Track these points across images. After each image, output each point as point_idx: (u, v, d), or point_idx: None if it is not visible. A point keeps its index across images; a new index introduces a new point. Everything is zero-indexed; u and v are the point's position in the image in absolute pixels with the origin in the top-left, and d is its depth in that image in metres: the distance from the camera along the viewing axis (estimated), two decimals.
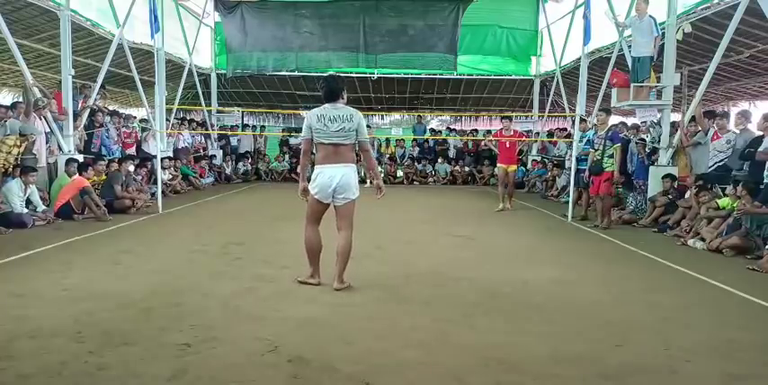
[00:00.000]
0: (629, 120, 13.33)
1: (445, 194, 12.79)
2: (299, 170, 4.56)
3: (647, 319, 3.80)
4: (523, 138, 10.50)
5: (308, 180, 4.47)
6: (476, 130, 18.65)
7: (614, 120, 9.93)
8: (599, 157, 7.90)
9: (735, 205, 6.52)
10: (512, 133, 9.81)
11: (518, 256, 5.94)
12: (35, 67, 11.40)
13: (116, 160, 9.60)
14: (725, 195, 7.01)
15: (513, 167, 9.87)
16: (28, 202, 7.36)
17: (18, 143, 7.53)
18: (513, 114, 13.99)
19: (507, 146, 9.75)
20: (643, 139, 9.63)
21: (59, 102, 8.84)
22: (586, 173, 8.39)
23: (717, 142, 7.74)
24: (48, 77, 12.22)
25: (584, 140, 8.90)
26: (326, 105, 4.34)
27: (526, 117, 17.55)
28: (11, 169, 7.34)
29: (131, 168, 9.06)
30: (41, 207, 7.52)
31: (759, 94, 13.15)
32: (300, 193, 4.51)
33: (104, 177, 8.66)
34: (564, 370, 2.91)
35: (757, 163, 6.76)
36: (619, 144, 7.75)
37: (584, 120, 9.94)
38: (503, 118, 10.21)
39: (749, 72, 11.17)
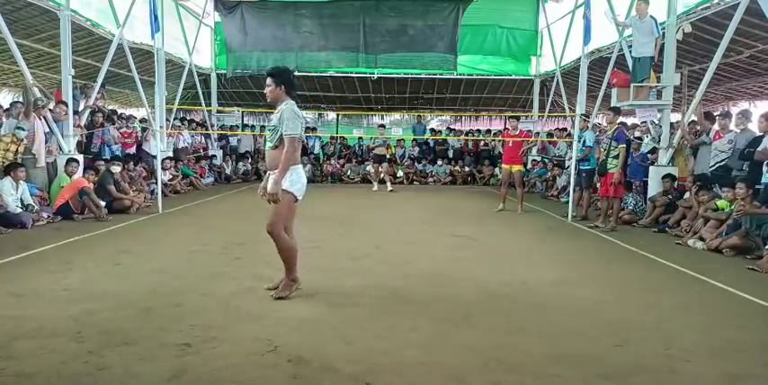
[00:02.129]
0: (629, 120, 13.33)
1: (445, 194, 12.79)
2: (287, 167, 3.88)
3: (647, 319, 3.80)
4: (529, 139, 10.38)
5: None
6: (478, 130, 18.66)
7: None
8: (604, 158, 7.87)
9: (733, 206, 6.52)
10: (518, 133, 9.77)
11: (518, 256, 5.94)
12: (35, 67, 11.40)
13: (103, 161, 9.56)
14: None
15: (518, 167, 9.68)
16: (25, 205, 7.35)
17: (15, 140, 7.54)
18: (513, 114, 14.01)
19: (511, 145, 9.66)
20: (639, 138, 9.63)
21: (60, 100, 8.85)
22: (595, 174, 8.37)
23: (718, 142, 7.73)
24: (48, 77, 12.22)
25: (582, 140, 8.89)
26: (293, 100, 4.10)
27: (526, 117, 17.56)
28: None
29: (116, 169, 8.99)
30: (36, 207, 7.50)
31: (759, 94, 13.15)
32: (280, 193, 3.90)
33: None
34: (564, 370, 2.91)
35: (756, 163, 6.77)
36: (623, 144, 7.72)
37: (587, 118, 9.80)
38: (510, 118, 10.16)
39: (749, 72, 11.17)
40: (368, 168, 15.87)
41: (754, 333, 3.58)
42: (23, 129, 7.62)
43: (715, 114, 8.68)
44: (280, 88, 4.04)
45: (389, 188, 13.18)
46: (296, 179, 4.02)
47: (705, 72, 8.36)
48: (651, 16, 8.38)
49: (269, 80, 4.06)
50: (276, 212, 3.98)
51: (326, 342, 3.23)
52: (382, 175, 13.61)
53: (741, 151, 7.16)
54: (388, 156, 15.64)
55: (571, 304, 4.11)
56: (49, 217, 7.46)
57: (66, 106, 8.72)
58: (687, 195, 7.86)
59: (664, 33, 8.58)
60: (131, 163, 10.10)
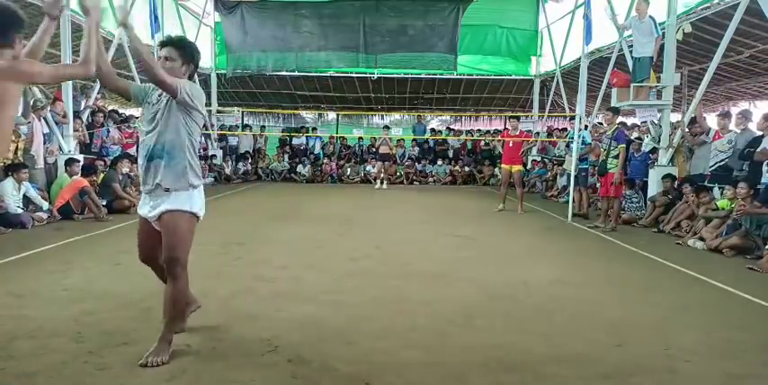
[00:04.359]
0: (629, 121, 13.34)
1: (445, 194, 12.79)
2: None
3: (647, 319, 3.80)
4: (529, 139, 10.40)
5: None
6: (479, 130, 18.69)
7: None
8: (604, 158, 7.88)
9: (733, 206, 6.53)
10: (518, 133, 9.78)
11: (518, 256, 5.94)
12: None
13: (110, 160, 9.59)
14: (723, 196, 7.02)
15: (517, 167, 9.69)
16: (28, 202, 7.35)
17: (14, 138, 7.53)
18: (514, 114, 14.05)
19: (511, 145, 9.67)
20: (639, 138, 9.64)
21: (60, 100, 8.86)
22: (596, 174, 8.39)
23: (718, 142, 7.74)
24: None
25: (582, 139, 8.92)
26: None
27: (526, 117, 17.57)
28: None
29: (125, 170, 9.04)
30: (45, 205, 7.49)
31: (759, 94, 13.17)
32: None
33: (101, 176, 8.66)
34: (564, 370, 2.91)
35: (756, 163, 6.77)
36: (623, 144, 7.73)
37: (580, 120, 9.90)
38: (510, 118, 10.19)
39: (749, 72, 11.18)
40: (368, 168, 15.89)
41: (754, 333, 3.58)
42: (23, 123, 7.61)
43: (714, 114, 8.69)
44: (186, 67, 2.99)
45: (384, 186, 13.55)
46: (202, 198, 3.18)
47: (705, 72, 8.37)
48: (650, 16, 8.39)
49: (172, 52, 2.93)
50: (181, 238, 2.97)
51: (326, 342, 3.23)
52: (382, 174, 13.94)
53: (741, 151, 7.17)
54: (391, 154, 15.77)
55: (571, 304, 4.10)
56: (49, 217, 7.46)
57: (63, 104, 8.73)
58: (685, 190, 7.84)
59: (664, 33, 8.58)
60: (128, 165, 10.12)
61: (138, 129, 11.67)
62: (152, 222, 3.03)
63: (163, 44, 2.98)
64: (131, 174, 9.82)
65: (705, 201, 7.11)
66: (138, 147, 11.53)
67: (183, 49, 2.96)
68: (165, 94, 2.88)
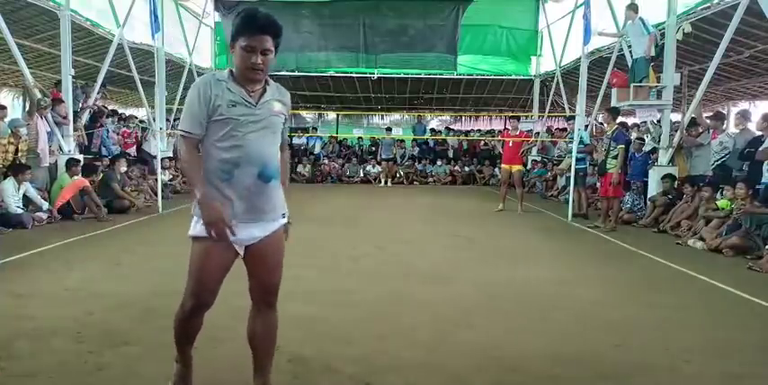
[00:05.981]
0: (629, 121, 13.34)
1: (445, 194, 12.79)
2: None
3: (647, 319, 3.80)
4: (529, 140, 10.42)
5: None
6: (479, 130, 18.71)
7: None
8: (604, 158, 7.88)
9: (733, 206, 6.53)
10: (518, 133, 9.80)
11: (518, 256, 5.94)
12: (35, 67, 11.40)
13: (109, 159, 9.61)
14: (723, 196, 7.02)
15: (517, 167, 9.71)
16: (28, 201, 7.34)
17: (12, 140, 7.52)
18: (513, 114, 14.04)
19: (511, 145, 9.68)
20: (641, 139, 9.64)
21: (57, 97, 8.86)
22: (596, 174, 8.42)
23: (713, 142, 7.76)
24: (48, 77, 12.22)
25: (580, 139, 8.93)
26: None
27: (526, 117, 17.56)
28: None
29: (123, 169, 9.04)
30: (45, 205, 7.49)
31: (759, 94, 13.16)
32: None
33: (100, 176, 8.67)
34: (564, 370, 2.91)
35: (756, 163, 6.77)
36: (623, 145, 7.73)
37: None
38: (511, 118, 10.23)
39: (749, 72, 11.17)
40: (368, 168, 15.93)
41: (754, 333, 3.58)
42: (22, 125, 7.61)
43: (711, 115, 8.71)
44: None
45: (384, 184, 14.09)
46: None
47: (705, 72, 8.36)
48: (640, 18, 8.46)
49: (271, 43, 2.22)
50: (282, 264, 2.55)
51: (326, 342, 3.23)
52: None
53: (741, 151, 7.17)
54: (392, 156, 15.92)
55: (571, 304, 4.11)
56: (49, 217, 7.46)
57: (65, 103, 8.74)
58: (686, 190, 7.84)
59: (663, 33, 8.59)
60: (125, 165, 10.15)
61: (136, 128, 11.63)
62: (241, 246, 2.41)
63: (261, 30, 2.17)
64: (131, 174, 9.84)
65: (706, 197, 7.11)
66: (138, 146, 11.62)
67: (279, 37, 2.28)
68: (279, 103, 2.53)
